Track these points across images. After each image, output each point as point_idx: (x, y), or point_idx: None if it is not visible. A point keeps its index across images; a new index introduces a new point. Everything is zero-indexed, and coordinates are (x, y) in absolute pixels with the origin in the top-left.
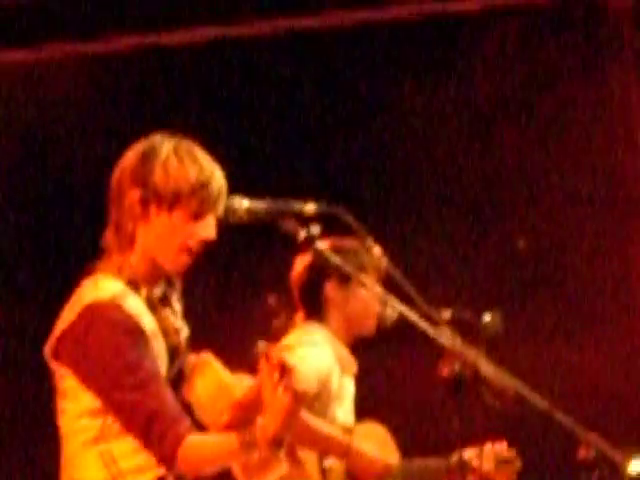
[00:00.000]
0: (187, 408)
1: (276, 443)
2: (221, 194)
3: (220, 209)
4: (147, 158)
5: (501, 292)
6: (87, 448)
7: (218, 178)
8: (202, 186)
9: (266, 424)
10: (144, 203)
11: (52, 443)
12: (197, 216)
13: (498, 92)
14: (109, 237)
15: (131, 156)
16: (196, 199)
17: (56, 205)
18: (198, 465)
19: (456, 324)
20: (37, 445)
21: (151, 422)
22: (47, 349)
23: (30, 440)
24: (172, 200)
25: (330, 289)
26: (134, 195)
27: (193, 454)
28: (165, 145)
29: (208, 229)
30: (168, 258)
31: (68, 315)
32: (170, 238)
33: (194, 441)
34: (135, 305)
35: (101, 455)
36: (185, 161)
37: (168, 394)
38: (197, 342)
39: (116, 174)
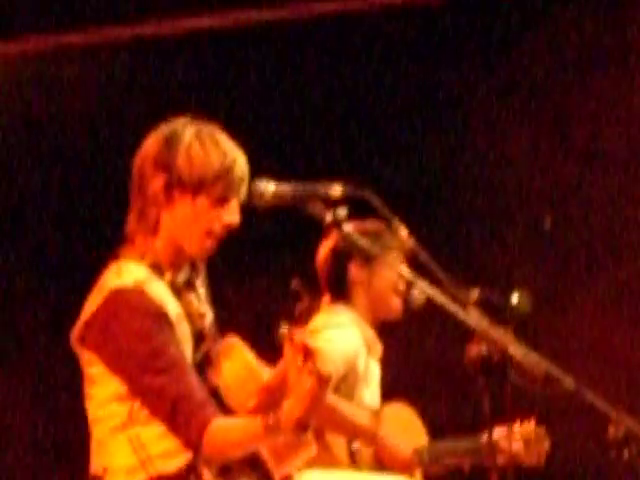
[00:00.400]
0: (214, 392)
1: (301, 426)
2: (244, 179)
3: (243, 194)
4: (170, 144)
5: (529, 272)
6: (115, 434)
7: (241, 163)
8: (226, 171)
9: (291, 407)
10: (168, 189)
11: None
12: (221, 201)
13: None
14: (132, 223)
15: (153, 142)
16: (220, 185)
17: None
18: (223, 449)
19: (484, 305)
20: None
21: (177, 407)
22: (73, 335)
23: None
24: (196, 186)
25: (354, 271)
26: (158, 181)
27: (218, 438)
28: (188, 130)
29: (232, 214)
30: (192, 244)
31: (93, 301)
32: (194, 224)
33: (219, 425)
34: (159, 290)
35: (130, 440)
36: (208, 146)
37: (193, 379)
38: (223, 326)
39: (138, 160)
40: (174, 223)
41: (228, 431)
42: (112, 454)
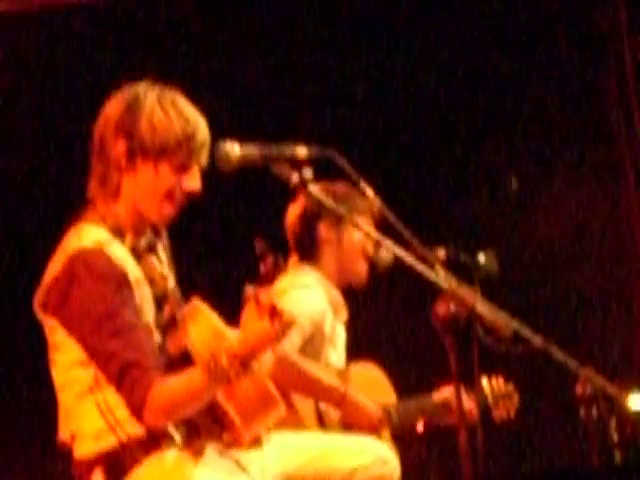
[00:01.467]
0: (184, 354)
1: (243, 364)
2: (205, 145)
3: (204, 160)
4: (132, 109)
5: (494, 232)
6: (83, 398)
7: (203, 129)
8: (188, 138)
9: (236, 343)
10: (130, 155)
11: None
12: (182, 168)
13: None
14: (94, 187)
15: (115, 106)
16: (182, 151)
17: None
18: (170, 409)
19: (450, 264)
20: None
21: (123, 372)
22: (36, 302)
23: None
24: (158, 152)
25: (323, 230)
26: (120, 147)
27: (162, 401)
28: (149, 95)
29: (193, 180)
30: (153, 209)
31: (54, 266)
32: (155, 190)
33: (161, 388)
34: (119, 253)
35: (97, 404)
36: (170, 113)
37: (146, 344)
38: (190, 290)
39: (100, 124)
40: (135, 188)
41: (171, 390)
42: (80, 419)
